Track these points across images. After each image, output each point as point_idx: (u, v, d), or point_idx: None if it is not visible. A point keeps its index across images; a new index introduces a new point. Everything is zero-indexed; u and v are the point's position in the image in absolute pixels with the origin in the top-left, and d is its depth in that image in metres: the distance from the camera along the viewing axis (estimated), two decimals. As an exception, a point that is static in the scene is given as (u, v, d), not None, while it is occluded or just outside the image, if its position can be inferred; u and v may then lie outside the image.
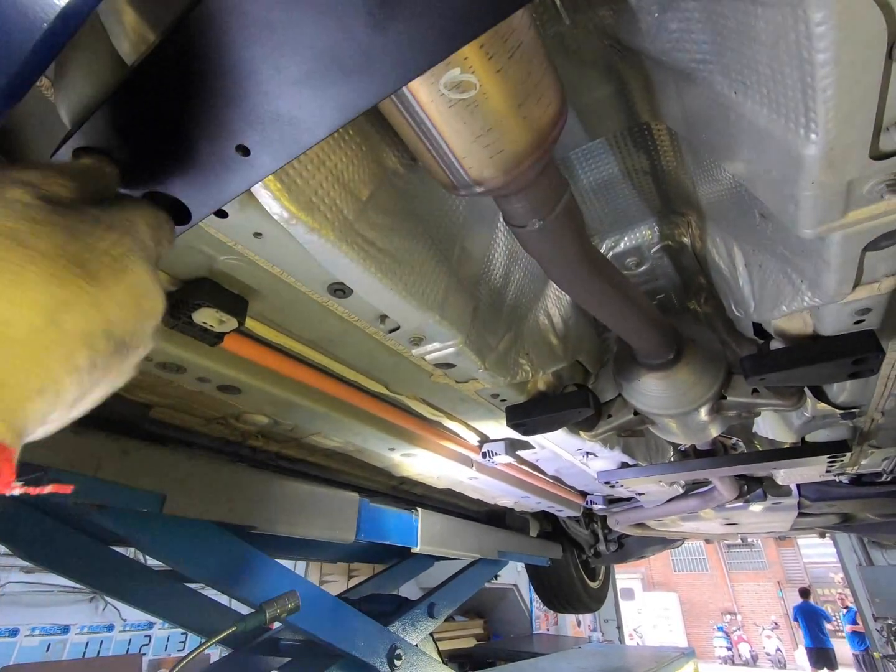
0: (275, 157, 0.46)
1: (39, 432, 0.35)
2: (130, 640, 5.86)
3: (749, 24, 0.48)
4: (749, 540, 16.81)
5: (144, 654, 5.87)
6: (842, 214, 0.59)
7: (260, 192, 0.57)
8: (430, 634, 2.31)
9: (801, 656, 13.23)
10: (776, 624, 16.84)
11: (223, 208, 0.59)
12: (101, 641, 5.61)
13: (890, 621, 7.75)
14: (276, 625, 2.04)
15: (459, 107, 0.51)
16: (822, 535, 4.36)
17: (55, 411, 0.34)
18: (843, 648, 10.58)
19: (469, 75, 0.49)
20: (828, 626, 10.24)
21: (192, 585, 2.00)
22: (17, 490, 0.31)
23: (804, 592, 10.62)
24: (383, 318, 0.85)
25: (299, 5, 0.35)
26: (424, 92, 0.51)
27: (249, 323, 0.91)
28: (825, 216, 0.59)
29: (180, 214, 0.53)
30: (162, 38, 0.39)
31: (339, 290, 0.77)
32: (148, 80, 0.41)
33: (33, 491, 0.33)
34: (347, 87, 0.40)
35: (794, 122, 0.51)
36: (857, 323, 0.84)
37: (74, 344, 0.33)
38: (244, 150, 0.45)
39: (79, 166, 0.44)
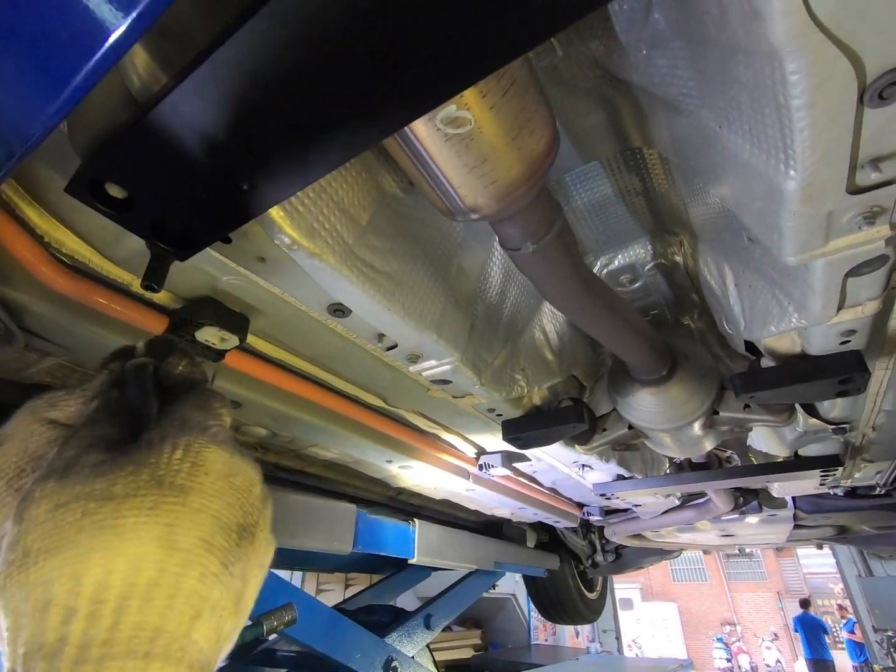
0: (279, 192, 0.48)
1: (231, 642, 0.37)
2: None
3: (730, 66, 0.50)
4: (748, 550, 16.74)
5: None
6: (823, 243, 0.61)
7: (263, 219, 0.59)
8: (427, 646, 2.31)
9: (801, 668, 13.14)
10: (776, 635, 16.74)
11: (228, 234, 0.61)
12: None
13: (890, 633, 7.71)
14: (273, 636, 2.03)
15: (455, 141, 0.54)
16: (820, 547, 4.36)
17: (225, 624, 0.34)
18: (842, 660, 10.50)
19: (464, 112, 0.51)
20: (827, 639, 10.17)
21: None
22: None
23: (804, 603, 10.57)
24: (381, 336, 0.87)
25: (306, 56, 0.37)
26: (422, 127, 0.53)
27: (250, 339, 0.93)
28: (807, 245, 0.62)
29: (188, 241, 0.55)
30: (175, 82, 0.41)
31: (339, 310, 0.79)
32: (159, 120, 0.43)
33: None
34: (351, 129, 0.42)
35: (775, 158, 0.53)
36: (843, 343, 0.87)
37: (197, 559, 0.33)
38: (250, 185, 0.47)
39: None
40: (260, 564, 0.39)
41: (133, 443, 0.38)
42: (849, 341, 0.86)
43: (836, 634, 12.39)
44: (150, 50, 0.46)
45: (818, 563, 16.74)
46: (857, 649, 9.81)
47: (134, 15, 0.30)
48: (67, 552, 0.30)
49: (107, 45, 0.32)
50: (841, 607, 11.48)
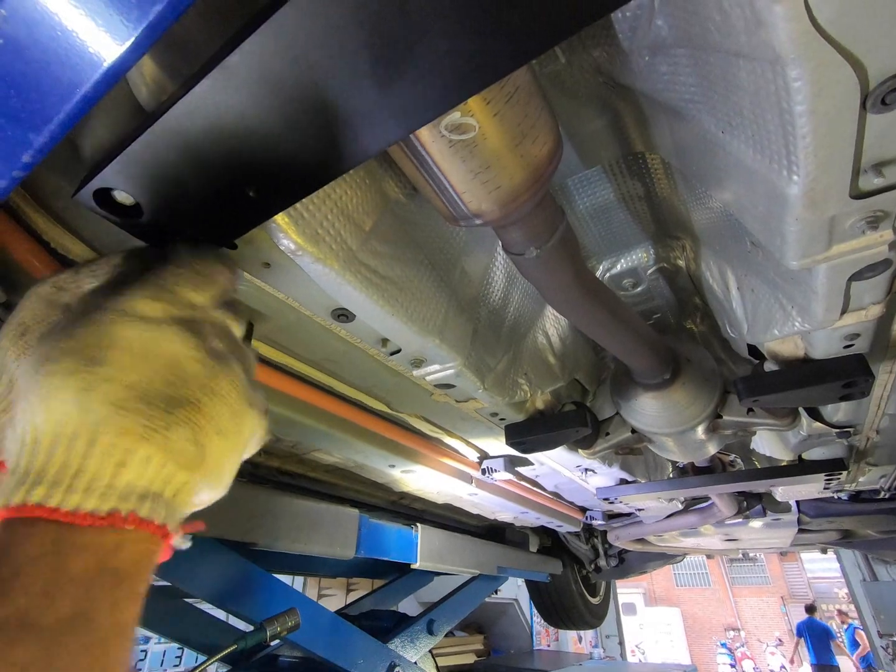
0: (283, 199, 0.49)
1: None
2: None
3: (732, 72, 0.51)
4: (751, 555, 16.66)
5: (140, 669, 5.80)
6: (826, 248, 0.62)
7: (269, 225, 0.60)
8: (430, 651, 2.30)
9: (805, 673, 13.03)
10: (780, 640, 16.62)
11: (233, 241, 0.62)
12: (97, 656, 5.54)
13: (895, 638, 7.64)
14: (275, 642, 2.03)
15: (459, 147, 0.54)
16: (824, 551, 4.34)
17: (176, 474, 0.42)
18: (845, 664, 10.43)
19: (468, 118, 0.52)
20: (833, 644, 10.10)
21: (189, 601, 2.00)
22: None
23: (810, 608, 10.49)
24: (385, 341, 0.87)
25: (311, 65, 0.37)
26: (426, 133, 0.53)
27: (255, 344, 0.93)
28: (810, 249, 0.62)
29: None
30: (182, 91, 0.41)
31: (343, 315, 0.79)
32: (165, 128, 0.43)
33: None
34: (355, 138, 0.43)
35: (778, 164, 0.53)
36: (846, 347, 0.87)
37: (111, 419, 0.39)
38: (256, 193, 0.47)
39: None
40: (219, 431, 0.44)
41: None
42: (852, 345, 0.86)
43: (839, 639, 12.31)
44: (158, 59, 0.46)
45: (822, 567, 16.63)
46: (855, 651, 9.79)
47: (142, 28, 0.31)
48: (28, 397, 0.40)
49: (116, 56, 0.32)
50: (841, 612, 11.42)
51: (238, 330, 0.53)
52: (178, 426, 0.41)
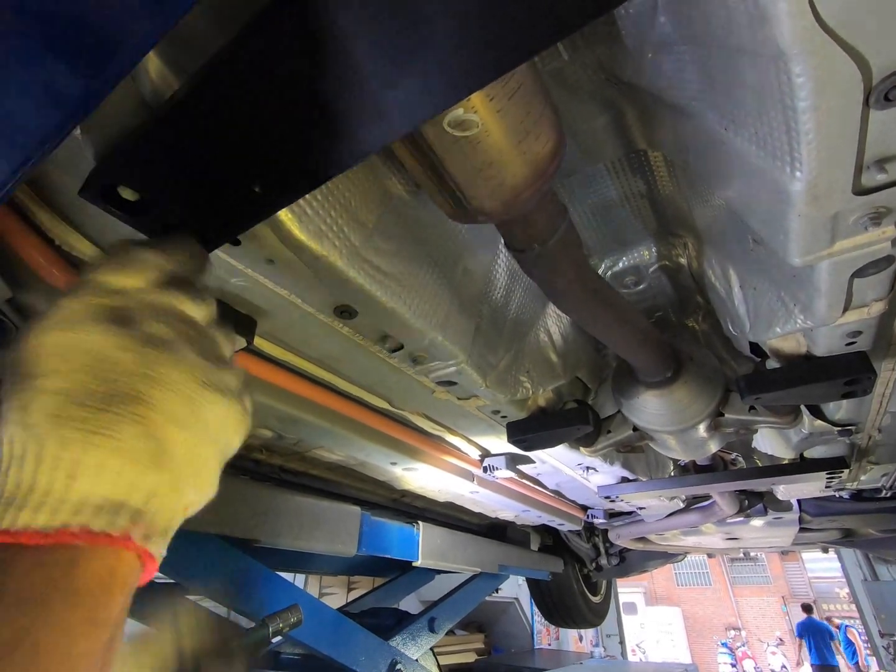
0: (287, 195, 0.49)
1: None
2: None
3: (736, 69, 0.51)
4: (752, 554, 16.64)
5: (142, 667, 5.82)
6: (829, 244, 0.62)
7: (272, 222, 0.60)
8: (431, 649, 2.30)
9: (805, 673, 13.03)
10: (781, 640, 16.62)
11: (237, 237, 0.62)
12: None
13: (896, 638, 7.65)
14: (277, 638, 2.04)
15: (462, 143, 0.54)
16: (825, 550, 4.34)
17: (143, 477, 0.39)
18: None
19: (472, 115, 0.52)
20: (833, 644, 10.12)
21: (192, 597, 2.00)
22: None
23: (807, 608, 10.50)
24: (387, 338, 0.88)
25: (315, 64, 0.38)
26: (429, 129, 0.53)
27: (257, 341, 0.93)
28: (813, 246, 0.62)
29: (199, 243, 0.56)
30: (187, 89, 0.42)
31: (345, 312, 0.79)
32: (171, 125, 0.44)
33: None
34: (358, 134, 0.43)
35: (781, 160, 0.53)
36: (848, 344, 0.87)
37: (51, 431, 0.37)
38: (260, 189, 0.48)
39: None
40: (174, 421, 0.41)
41: None
42: (854, 342, 0.86)
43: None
44: (163, 56, 0.46)
45: (824, 567, 16.62)
46: (851, 652, 9.81)
47: (149, 25, 0.31)
48: None
49: (122, 53, 0.32)
50: (829, 619, 11.38)
51: (195, 309, 0.47)
52: (122, 423, 0.38)
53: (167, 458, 0.40)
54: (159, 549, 0.41)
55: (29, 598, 0.33)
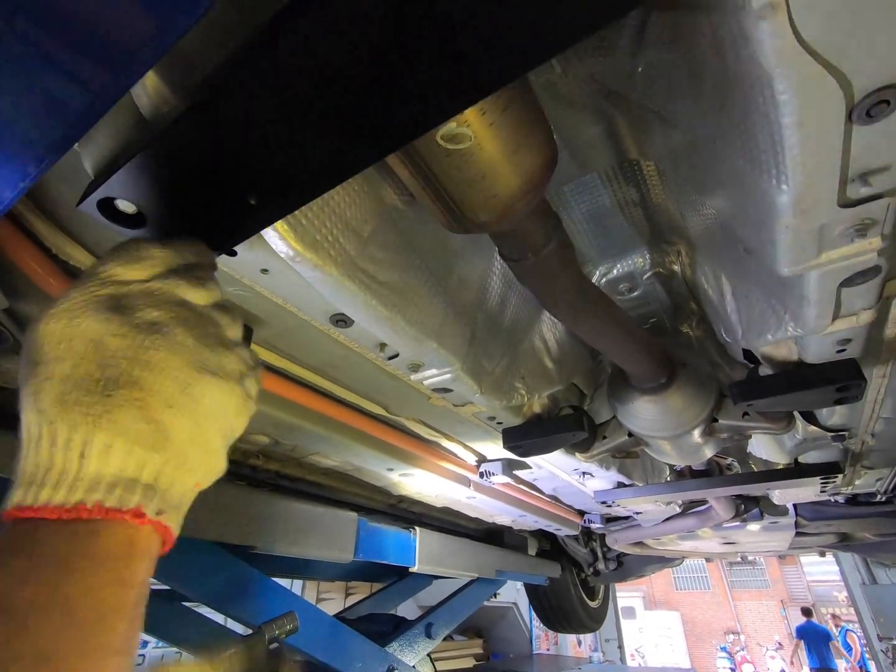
0: (284, 207, 0.50)
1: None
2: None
3: (722, 85, 0.52)
4: (750, 558, 16.62)
5: (138, 673, 5.78)
6: (816, 255, 0.63)
7: (268, 232, 0.61)
8: (428, 655, 2.30)
9: (805, 678, 12.99)
10: (780, 644, 16.58)
11: (233, 248, 0.62)
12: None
13: (895, 641, 7.64)
14: (274, 645, 2.03)
15: (455, 156, 0.55)
16: (822, 554, 4.34)
17: (150, 459, 0.42)
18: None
19: (464, 128, 0.53)
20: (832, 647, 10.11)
21: (188, 604, 2.00)
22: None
23: (807, 612, 10.49)
24: (383, 346, 0.88)
25: (312, 82, 0.38)
26: (423, 142, 0.54)
27: (253, 349, 0.94)
28: (800, 256, 0.63)
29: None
30: (184, 104, 0.42)
31: (341, 320, 0.80)
32: (168, 139, 0.44)
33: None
34: (352, 149, 0.44)
35: (767, 173, 0.54)
36: (839, 352, 0.88)
37: (60, 415, 0.39)
38: (256, 201, 0.48)
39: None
40: (171, 404, 0.42)
41: None
42: (845, 350, 0.87)
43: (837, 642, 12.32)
44: (160, 72, 0.47)
45: (822, 570, 16.62)
46: (848, 652, 9.82)
47: (151, 43, 0.32)
48: None
49: (124, 70, 0.33)
50: (834, 616, 11.41)
51: (195, 294, 0.48)
52: (123, 407, 0.40)
53: (168, 440, 0.42)
54: (174, 522, 0.43)
55: (56, 562, 0.36)
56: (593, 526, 2.72)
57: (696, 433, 1.22)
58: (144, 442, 0.41)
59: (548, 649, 8.19)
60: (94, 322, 0.42)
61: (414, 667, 2.09)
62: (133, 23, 0.34)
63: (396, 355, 0.91)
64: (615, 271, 1.22)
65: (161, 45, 0.32)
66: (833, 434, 1.30)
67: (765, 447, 1.60)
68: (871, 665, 8.57)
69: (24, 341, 0.43)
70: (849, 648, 9.97)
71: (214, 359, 0.46)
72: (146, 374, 0.42)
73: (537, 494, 2.14)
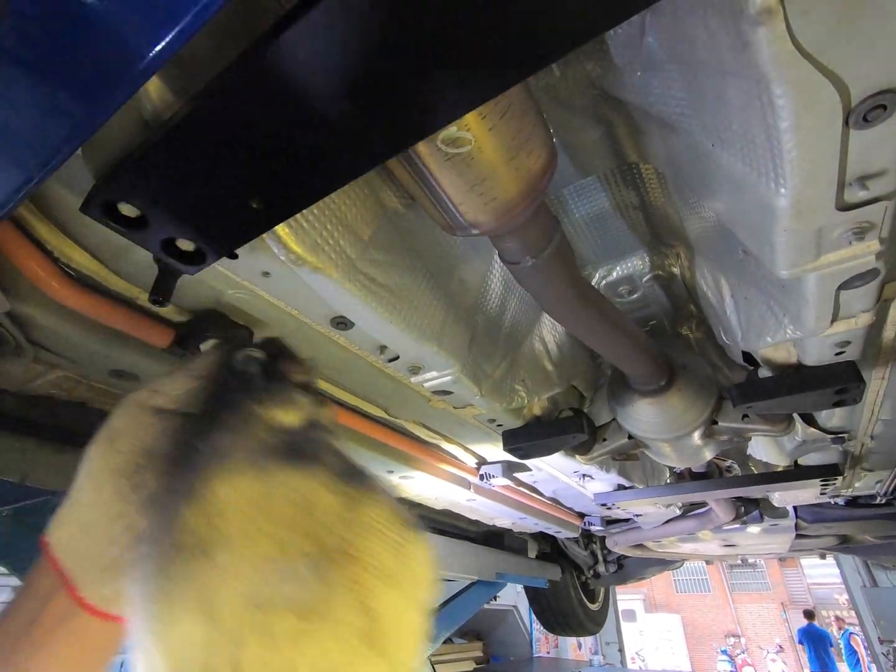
0: (286, 210, 0.50)
1: None
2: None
3: (720, 88, 0.52)
4: (751, 560, 16.60)
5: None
6: (814, 258, 0.63)
7: (269, 235, 0.61)
8: (428, 658, 2.29)
9: (806, 681, 12.96)
10: (780, 647, 16.54)
11: (235, 251, 0.63)
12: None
13: (895, 644, 7.62)
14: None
15: (455, 160, 0.55)
16: (823, 557, 4.34)
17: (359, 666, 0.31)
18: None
19: (464, 132, 0.53)
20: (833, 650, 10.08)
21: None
22: None
23: (809, 614, 10.47)
24: (383, 348, 0.89)
25: (316, 87, 0.39)
26: (423, 146, 0.55)
27: (254, 351, 0.94)
28: (799, 259, 0.63)
29: (196, 256, 0.57)
30: (187, 109, 0.43)
31: (342, 322, 0.80)
32: (170, 144, 0.45)
33: None
34: (353, 154, 0.44)
35: (766, 176, 0.55)
36: (838, 354, 0.88)
37: (250, 629, 0.29)
38: (258, 204, 0.49)
39: None
40: (387, 578, 0.31)
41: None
42: (843, 352, 0.87)
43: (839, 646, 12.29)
44: (164, 77, 0.47)
45: (822, 573, 16.59)
46: (853, 660, 9.76)
47: (157, 49, 0.32)
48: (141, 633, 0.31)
49: (127, 77, 0.33)
50: (838, 618, 11.38)
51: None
52: (337, 595, 0.29)
53: (378, 638, 0.30)
54: None
55: None
56: (593, 528, 2.72)
57: (696, 435, 1.22)
58: (350, 647, 0.29)
59: (548, 652, 8.17)
60: (299, 479, 0.32)
61: (414, 670, 2.08)
62: (135, 29, 0.34)
63: (397, 357, 0.92)
64: (615, 274, 1.23)
65: (164, 51, 0.33)
66: (832, 436, 1.30)
67: (764, 449, 1.61)
68: (873, 668, 8.55)
69: (161, 519, 0.31)
70: (852, 651, 9.92)
71: (405, 510, 0.38)
72: (359, 539, 0.32)
73: (537, 497, 2.14)
